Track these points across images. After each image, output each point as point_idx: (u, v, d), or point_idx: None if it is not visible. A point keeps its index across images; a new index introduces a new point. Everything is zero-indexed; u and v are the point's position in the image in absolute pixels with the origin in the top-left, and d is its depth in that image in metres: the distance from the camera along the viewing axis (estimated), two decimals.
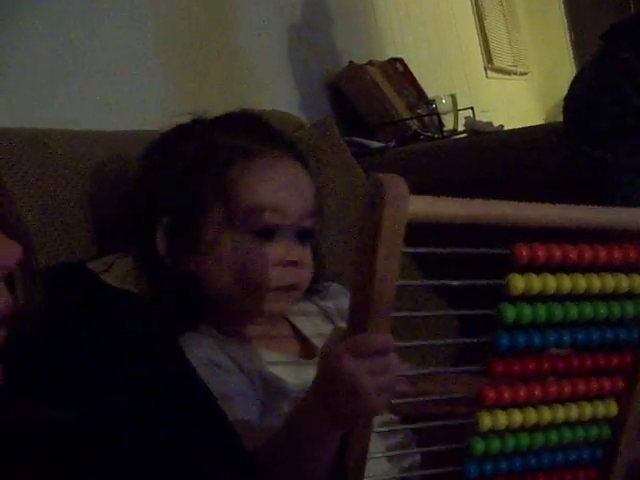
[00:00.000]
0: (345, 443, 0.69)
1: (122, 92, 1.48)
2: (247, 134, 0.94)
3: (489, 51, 4.70)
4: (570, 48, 5.71)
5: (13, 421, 0.58)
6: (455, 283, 0.68)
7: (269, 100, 1.03)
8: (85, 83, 1.40)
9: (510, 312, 0.67)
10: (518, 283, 0.67)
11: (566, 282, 0.69)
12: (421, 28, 3.59)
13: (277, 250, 0.90)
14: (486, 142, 1.86)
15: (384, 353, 0.65)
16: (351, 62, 2.42)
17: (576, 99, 1.36)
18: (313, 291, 1.00)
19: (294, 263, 0.91)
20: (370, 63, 2.48)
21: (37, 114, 1.26)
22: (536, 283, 0.67)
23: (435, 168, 1.78)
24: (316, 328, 0.98)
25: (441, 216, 0.64)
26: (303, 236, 0.93)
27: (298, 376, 0.90)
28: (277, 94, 2.12)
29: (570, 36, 5.75)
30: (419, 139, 2.31)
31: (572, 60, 5.53)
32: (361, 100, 2.34)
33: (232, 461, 0.70)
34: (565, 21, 5.80)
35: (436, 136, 2.38)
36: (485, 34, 4.69)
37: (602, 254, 0.70)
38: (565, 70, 5.03)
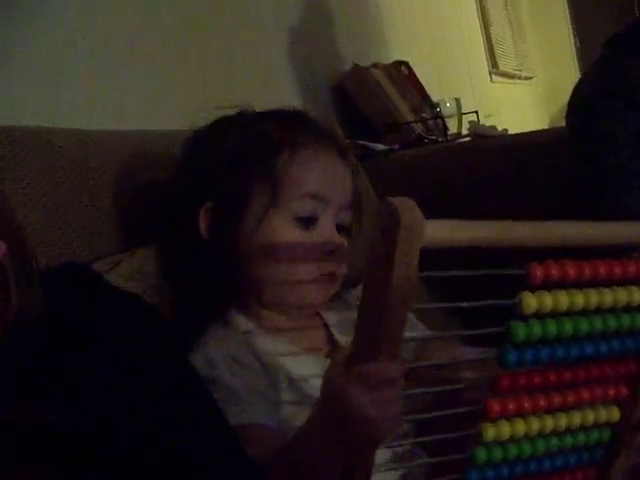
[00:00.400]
0: (351, 462, 0.68)
1: (123, 91, 1.48)
2: (293, 126, 0.97)
3: (494, 55, 4.70)
4: (575, 53, 5.71)
5: (13, 421, 0.58)
6: (465, 305, 0.66)
7: (272, 102, 1.02)
8: (87, 82, 1.40)
9: (521, 331, 0.66)
10: (531, 302, 0.65)
11: (578, 298, 0.67)
12: (426, 31, 3.59)
13: (317, 237, 0.92)
14: (490, 146, 1.86)
15: (395, 383, 0.64)
16: (356, 64, 2.41)
17: (580, 104, 1.36)
18: (345, 290, 1.00)
19: (333, 252, 0.92)
20: (375, 66, 2.48)
21: (38, 113, 1.25)
22: (548, 301, 0.66)
23: (439, 172, 1.78)
24: (348, 329, 0.98)
25: (457, 240, 0.62)
26: (340, 229, 0.95)
27: (319, 375, 0.90)
28: (281, 96, 2.12)
29: (575, 41, 5.74)
30: (423, 142, 2.31)
31: (577, 65, 5.52)
32: (365, 102, 2.33)
33: (231, 461, 0.70)
34: (570, 26, 5.80)
35: (440, 140, 2.38)
36: (490, 38, 4.69)
37: (617, 269, 0.69)
38: (570, 75, 5.02)
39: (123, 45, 1.52)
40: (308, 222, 0.92)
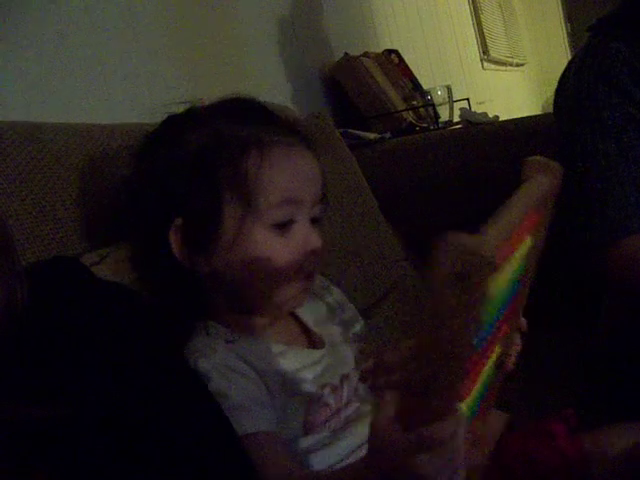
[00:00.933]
0: None
1: (114, 86, 1.48)
2: (255, 122, 0.91)
3: (485, 42, 4.70)
4: (566, 39, 5.71)
5: (13, 421, 0.58)
6: None
7: (264, 92, 1.02)
8: (78, 77, 1.39)
9: (486, 316, 0.65)
10: (491, 288, 0.64)
11: (514, 264, 0.67)
12: (417, 19, 3.58)
13: (296, 240, 0.89)
14: (481, 133, 1.86)
15: (457, 436, 0.59)
16: (346, 54, 2.41)
17: (566, 89, 1.35)
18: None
19: (313, 251, 0.90)
20: (365, 55, 2.48)
21: (30, 109, 1.25)
22: (502, 278, 0.65)
23: (430, 159, 1.78)
24: (319, 318, 0.98)
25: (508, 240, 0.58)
26: (313, 222, 0.92)
27: (308, 366, 0.90)
28: (272, 86, 2.12)
29: (566, 27, 5.74)
30: (414, 130, 2.31)
31: (568, 51, 5.52)
32: (356, 92, 2.33)
33: (232, 459, 0.69)
34: (561, 12, 5.79)
35: (431, 127, 2.38)
36: (481, 25, 4.69)
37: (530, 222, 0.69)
38: (561, 61, 5.02)
39: (112, 39, 1.51)
40: (284, 226, 0.89)
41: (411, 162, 1.78)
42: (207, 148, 0.88)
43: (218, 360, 0.85)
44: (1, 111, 1.19)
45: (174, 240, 0.88)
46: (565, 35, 5.75)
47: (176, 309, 0.90)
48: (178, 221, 0.88)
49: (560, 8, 5.80)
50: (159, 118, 0.97)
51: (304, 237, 0.90)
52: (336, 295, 1.05)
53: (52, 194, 0.96)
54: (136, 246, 0.94)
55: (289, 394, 0.87)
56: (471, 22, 4.64)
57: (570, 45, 5.61)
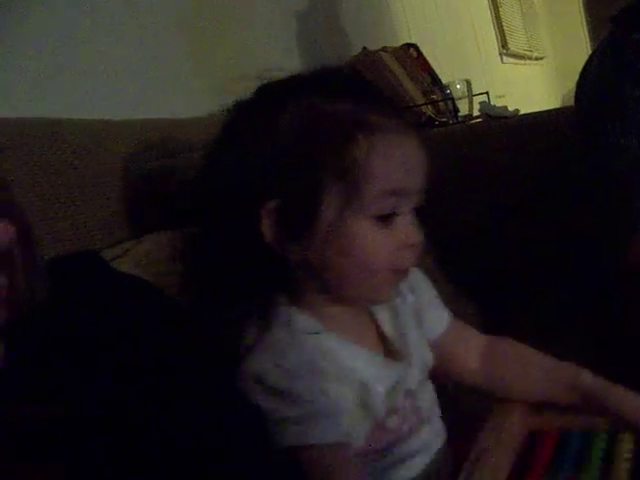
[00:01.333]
0: None
1: (118, 83, 1.47)
2: (360, 101, 0.82)
3: (504, 36, 4.68)
4: (586, 32, 5.66)
5: (13, 420, 0.57)
6: None
7: None
8: (83, 74, 1.39)
9: None
10: None
11: None
12: (435, 13, 3.57)
13: (398, 234, 0.82)
14: (501, 127, 1.85)
15: None
16: (364, 48, 2.40)
17: (588, 82, 1.34)
18: None
19: (412, 246, 0.84)
20: (384, 49, 2.47)
21: (33, 107, 1.25)
22: None
23: (450, 153, 1.77)
24: (395, 319, 0.92)
25: None
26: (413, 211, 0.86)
27: (383, 379, 0.85)
28: None
29: (586, 20, 5.69)
30: (434, 125, 2.30)
31: (588, 44, 5.48)
32: None
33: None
34: (581, 4, 5.75)
35: (451, 121, 2.37)
36: (500, 18, 4.66)
37: None
38: (581, 54, 4.98)
39: (120, 31, 1.51)
40: (387, 218, 0.82)
41: (430, 156, 1.77)
42: (309, 129, 0.81)
43: (302, 359, 0.80)
44: (6, 108, 1.19)
45: (266, 224, 0.81)
46: (585, 27, 5.70)
47: (256, 299, 0.84)
48: (271, 204, 0.80)
49: (579, 0, 5.76)
50: (176, 113, 0.96)
51: (406, 231, 0.83)
52: (424, 294, 0.98)
53: (72, 190, 0.97)
54: (203, 230, 0.86)
55: (362, 407, 0.82)
56: (490, 15, 4.62)
57: (590, 37, 5.56)
